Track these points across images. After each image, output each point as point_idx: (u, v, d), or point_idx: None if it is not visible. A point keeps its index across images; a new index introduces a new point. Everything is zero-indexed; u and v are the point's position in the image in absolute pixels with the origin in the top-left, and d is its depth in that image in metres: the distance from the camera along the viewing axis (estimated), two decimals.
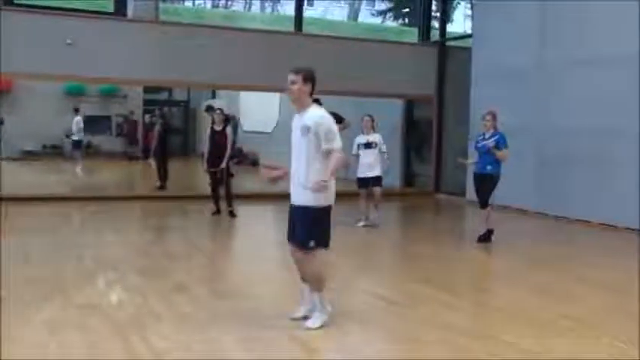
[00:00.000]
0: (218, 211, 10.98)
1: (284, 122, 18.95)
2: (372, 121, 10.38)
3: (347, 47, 14.60)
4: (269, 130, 21.01)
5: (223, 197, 10.96)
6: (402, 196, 14.75)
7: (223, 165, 10.75)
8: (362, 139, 10.27)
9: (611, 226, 10.43)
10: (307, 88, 5.07)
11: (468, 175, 11.75)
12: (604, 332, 5.21)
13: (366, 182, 10.28)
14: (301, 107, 5.10)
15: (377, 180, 10.29)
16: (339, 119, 10.47)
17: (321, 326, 5.04)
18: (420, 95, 15.56)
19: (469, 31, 15.01)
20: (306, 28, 15.58)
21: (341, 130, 5.51)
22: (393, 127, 15.41)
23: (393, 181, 14.61)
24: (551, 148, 11.76)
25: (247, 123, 22.16)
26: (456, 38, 16.30)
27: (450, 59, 15.46)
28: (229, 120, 12.53)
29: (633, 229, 10.04)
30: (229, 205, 10.92)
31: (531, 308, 5.91)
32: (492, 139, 8.82)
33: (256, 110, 21.57)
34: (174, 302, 5.78)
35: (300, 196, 5.02)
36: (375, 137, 10.27)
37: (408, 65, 15.03)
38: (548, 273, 7.47)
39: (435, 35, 16.09)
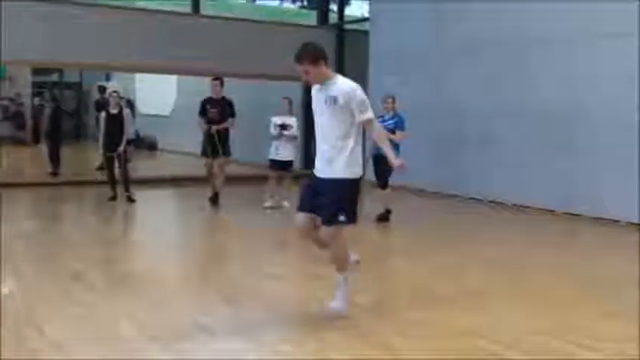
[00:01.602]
0: (115, 197, 10.69)
1: (182, 105, 18.71)
2: (290, 103, 10.42)
3: (245, 29, 14.48)
4: (167, 113, 20.62)
5: (120, 182, 10.69)
6: (302, 178, 14.80)
7: (120, 149, 10.47)
8: (278, 119, 10.29)
9: (500, 203, 10.91)
10: (321, 65, 4.74)
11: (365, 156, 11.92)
12: (502, 306, 5.43)
13: (277, 165, 10.33)
14: (323, 81, 4.80)
15: (288, 164, 10.36)
16: (232, 112, 10.49)
17: (344, 307, 4.90)
18: None
19: (367, 15, 15.19)
20: (203, 10, 15.33)
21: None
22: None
23: (294, 163, 14.66)
24: (447, 128, 12.11)
25: (144, 106, 21.63)
26: (353, 21, 16.48)
27: (348, 42, 15.61)
28: (126, 103, 12.19)
29: (522, 206, 10.55)
30: (127, 190, 10.65)
31: (431, 285, 6.11)
32: (392, 121, 9.06)
33: (153, 93, 21.09)
34: (69, 291, 5.60)
35: (328, 168, 4.74)
36: (291, 120, 10.33)
37: None
38: (445, 250, 7.73)
39: (333, 18, 16.21)
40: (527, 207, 10.50)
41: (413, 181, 11.91)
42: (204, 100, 10.57)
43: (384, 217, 9.24)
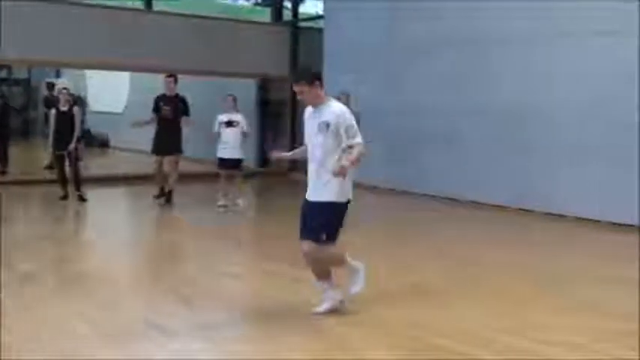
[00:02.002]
0: (66, 196, 10.49)
1: (135, 102, 18.44)
2: (235, 100, 10.35)
3: (198, 26, 14.35)
4: (119, 111, 20.31)
5: (71, 181, 10.49)
6: (257, 176, 14.78)
7: (71, 147, 10.28)
8: (224, 117, 10.21)
9: (456, 200, 11.05)
10: (317, 87, 4.90)
11: None
12: (459, 304, 5.49)
13: (226, 163, 10.25)
14: (318, 104, 4.94)
15: (237, 163, 10.29)
16: (186, 110, 10.41)
17: (330, 311, 4.97)
18: (273, 75, 15.61)
19: (321, 12, 15.21)
20: (156, 6, 15.14)
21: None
22: (247, 107, 15.38)
23: (248, 161, 14.61)
24: (403, 126, 12.17)
25: (96, 103, 21.27)
26: (308, 19, 16.48)
27: (302, 39, 15.61)
28: (76, 100, 11.98)
29: (477, 202, 10.71)
30: (77, 189, 10.46)
31: (388, 283, 6.15)
32: None
33: (105, 90, 20.75)
34: (19, 293, 5.48)
35: (316, 192, 4.89)
36: (237, 117, 10.24)
37: (261, 45, 15.03)
38: (399, 245, 7.81)
39: (287, 15, 16.19)
40: (483, 203, 10.66)
41: (366, 178, 11.97)
42: (158, 97, 10.46)
43: None
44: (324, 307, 5.01)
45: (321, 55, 14.02)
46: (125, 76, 19.03)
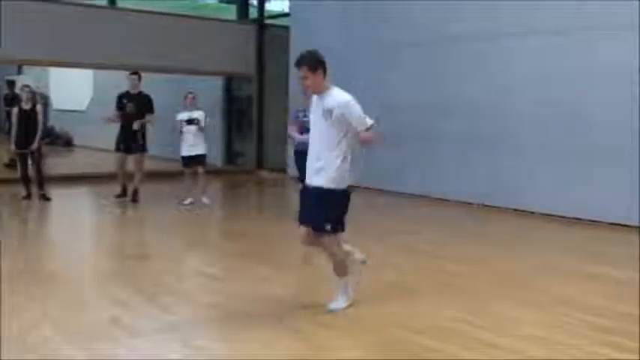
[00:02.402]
0: (29, 196, 10.32)
1: (99, 99, 18.19)
2: (194, 97, 10.29)
3: (164, 23, 14.21)
4: (83, 108, 20.04)
5: (34, 180, 10.33)
6: (224, 174, 14.73)
7: (34, 146, 10.12)
8: (184, 115, 10.16)
9: (421, 196, 11.13)
10: (319, 74, 4.84)
11: (289, 152, 11.96)
12: (421, 297, 5.55)
13: (189, 161, 10.21)
14: (320, 92, 4.90)
15: (200, 158, 10.24)
16: (150, 108, 10.32)
17: (345, 308, 5.02)
18: (239, 73, 15.55)
19: (287, 10, 15.18)
20: (120, 2, 14.97)
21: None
22: (213, 105, 15.30)
23: (215, 159, 14.56)
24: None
25: (59, 101, 20.93)
26: (273, 17, 16.43)
27: (269, 37, 15.56)
28: (39, 98, 11.77)
29: (442, 199, 10.80)
30: (41, 188, 10.30)
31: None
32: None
33: (68, 87, 20.44)
34: None
35: (318, 178, 4.86)
36: (197, 114, 10.19)
37: (227, 43, 14.95)
38: (370, 243, 7.82)
39: (253, 13, 16.13)
40: (447, 200, 10.74)
41: None
42: (121, 94, 10.38)
43: None
44: (339, 303, 5.05)
45: (287, 52, 14.01)
46: (89, 73, 18.77)
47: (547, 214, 9.51)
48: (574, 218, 9.22)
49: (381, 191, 11.80)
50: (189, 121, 10.11)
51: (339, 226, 4.95)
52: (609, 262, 6.98)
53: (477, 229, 9.04)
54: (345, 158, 4.87)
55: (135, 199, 10.26)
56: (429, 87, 11.32)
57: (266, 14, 16.07)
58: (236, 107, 16.31)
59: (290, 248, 7.91)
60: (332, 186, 4.85)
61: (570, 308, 5.24)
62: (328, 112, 4.81)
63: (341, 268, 5.08)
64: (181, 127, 10.10)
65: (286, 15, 15.14)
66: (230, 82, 16.33)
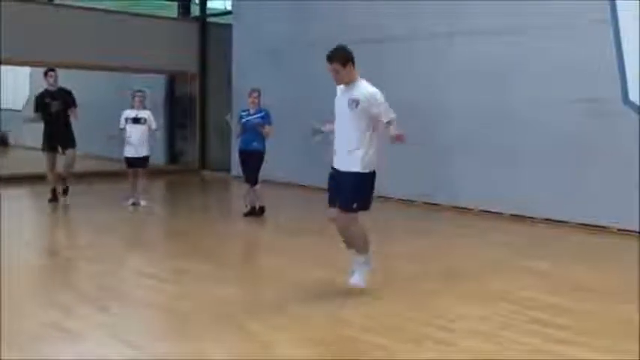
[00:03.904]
0: None
1: None
2: (144, 98, 10.16)
3: (104, 20, 13.96)
4: (19, 107, 19.51)
5: None
6: (167, 174, 14.57)
7: None
8: (131, 113, 10.00)
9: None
10: (349, 67, 5.31)
11: (232, 151, 11.93)
12: (365, 292, 5.55)
13: (133, 162, 10.07)
14: (348, 82, 5.36)
15: (143, 161, 10.11)
16: (73, 101, 10.13)
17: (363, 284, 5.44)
18: (181, 71, 15.41)
19: (230, 8, 15.11)
20: None
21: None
22: (155, 103, 15.11)
23: (157, 159, 14.39)
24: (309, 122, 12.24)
25: None
26: (216, 15, 16.33)
27: (211, 35, 15.47)
28: None
29: (384, 197, 10.91)
30: None
31: (294, 274, 6.22)
32: (258, 115, 9.07)
33: (4, 85, 19.87)
34: None
35: (346, 163, 5.30)
36: (145, 113, 10.06)
37: (169, 40, 14.79)
38: (311, 240, 7.89)
39: (195, 11, 16.00)
40: (390, 198, 10.88)
41: (277, 176, 12.01)
42: (42, 94, 10.16)
43: (254, 213, 9.26)
44: (356, 278, 5.46)
45: (230, 50, 13.96)
46: (25, 71, 18.31)
47: (485, 211, 9.73)
48: (512, 215, 9.46)
49: (318, 189, 11.85)
50: (136, 120, 9.96)
51: (365, 204, 5.36)
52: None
53: (417, 226, 9.19)
54: (372, 143, 5.31)
55: (65, 192, 10.13)
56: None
57: (208, 12, 15.97)
58: (179, 106, 16.15)
59: (233, 248, 7.93)
60: (366, 170, 5.30)
61: (508, 302, 5.40)
62: (354, 102, 5.27)
63: (360, 244, 5.47)
64: (126, 124, 9.94)
65: (229, 13, 15.07)
66: (173, 81, 16.16)
